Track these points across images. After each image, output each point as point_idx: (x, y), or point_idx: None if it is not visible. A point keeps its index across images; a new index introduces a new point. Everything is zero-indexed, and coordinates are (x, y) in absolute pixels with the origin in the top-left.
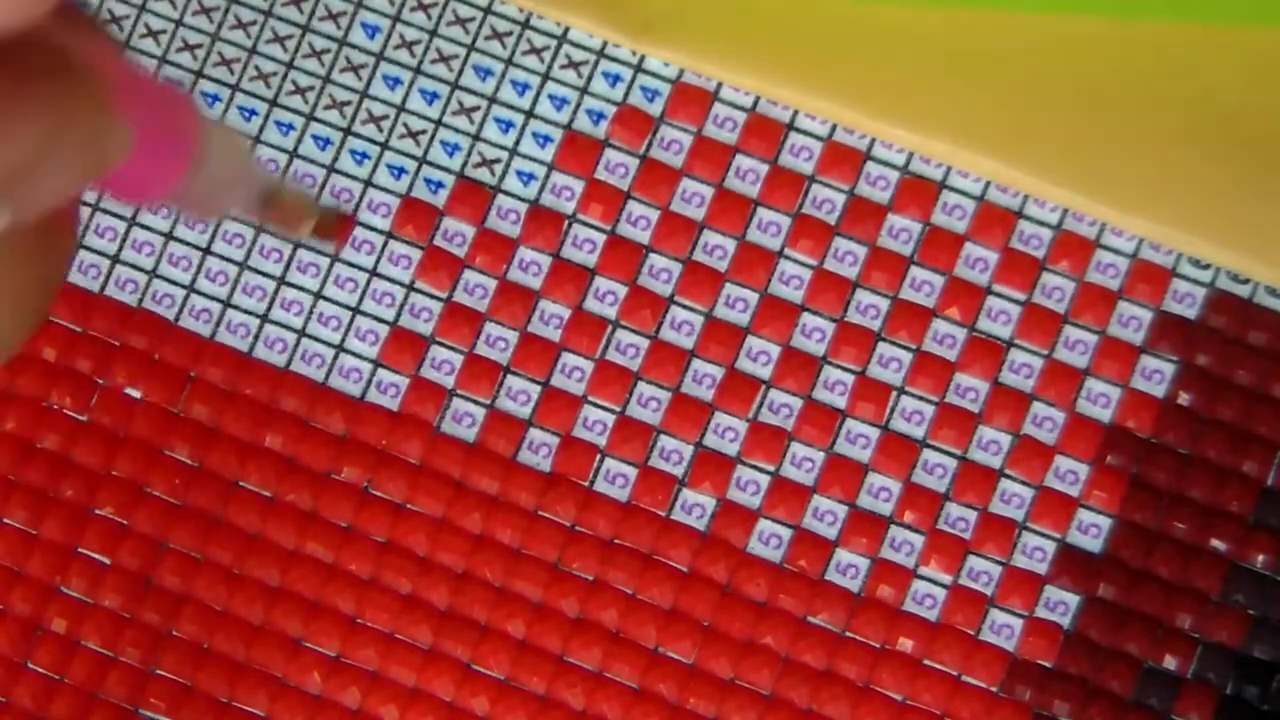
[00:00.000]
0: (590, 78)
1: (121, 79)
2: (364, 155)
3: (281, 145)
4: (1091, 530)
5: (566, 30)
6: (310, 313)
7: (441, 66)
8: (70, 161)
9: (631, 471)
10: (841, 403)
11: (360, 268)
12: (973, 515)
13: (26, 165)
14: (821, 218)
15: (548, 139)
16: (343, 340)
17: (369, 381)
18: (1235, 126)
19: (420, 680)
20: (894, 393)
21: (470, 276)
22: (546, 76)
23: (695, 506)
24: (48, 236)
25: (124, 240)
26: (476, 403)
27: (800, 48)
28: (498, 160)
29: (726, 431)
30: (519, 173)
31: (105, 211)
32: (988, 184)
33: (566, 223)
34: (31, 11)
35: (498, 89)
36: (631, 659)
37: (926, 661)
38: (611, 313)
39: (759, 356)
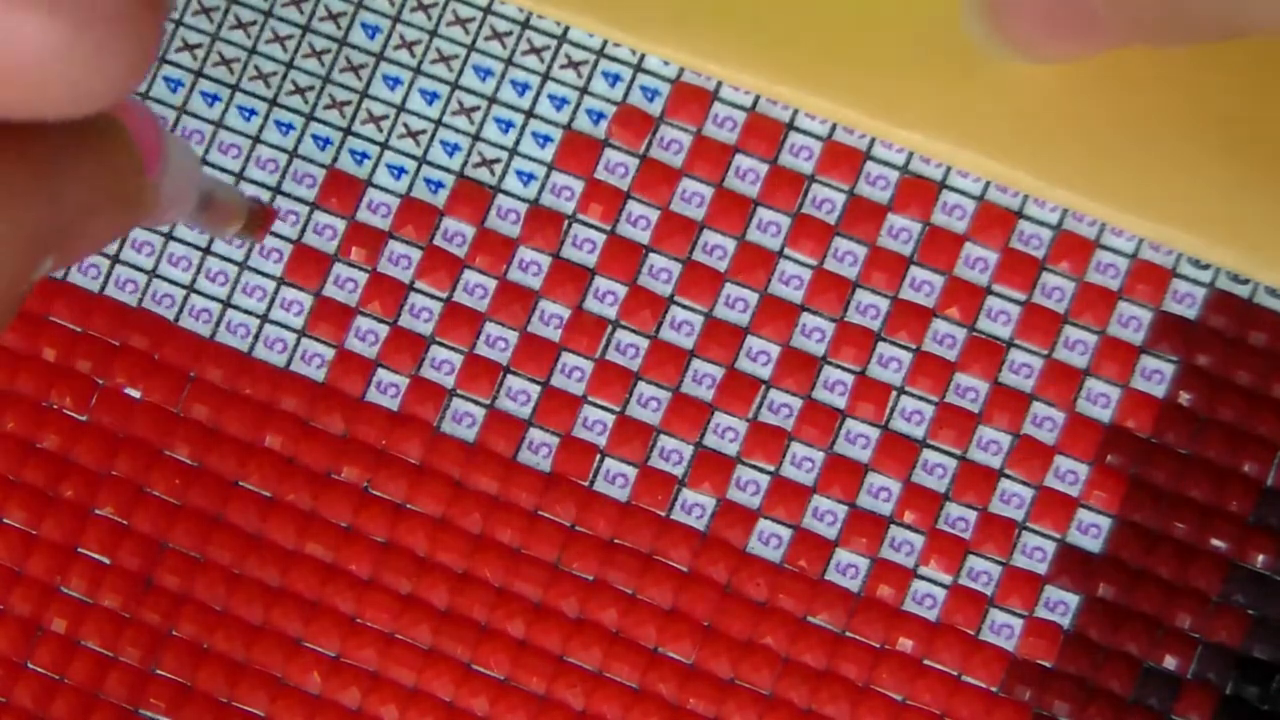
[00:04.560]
0: (590, 77)
1: (145, 130)
2: (364, 155)
3: (281, 145)
4: (1091, 530)
5: (566, 30)
6: (310, 313)
7: (441, 66)
8: (113, 217)
9: (631, 471)
10: (841, 403)
11: (360, 268)
12: (973, 515)
13: (74, 222)
14: (821, 218)
15: (548, 139)
16: (343, 340)
17: (369, 382)
18: (1236, 126)
19: (420, 680)
20: (894, 393)
21: (470, 276)
22: (546, 76)
23: (695, 506)
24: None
25: (124, 240)
26: (476, 403)
27: (800, 48)
28: (498, 160)
29: (726, 431)
30: (519, 173)
31: None
32: (988, 184)
33: (566, 223)
34: (121, 91)
35: (498, 89)
36: (631, 659)
37: (926, 661)
38: (611, 313)
39: (759, 356)
